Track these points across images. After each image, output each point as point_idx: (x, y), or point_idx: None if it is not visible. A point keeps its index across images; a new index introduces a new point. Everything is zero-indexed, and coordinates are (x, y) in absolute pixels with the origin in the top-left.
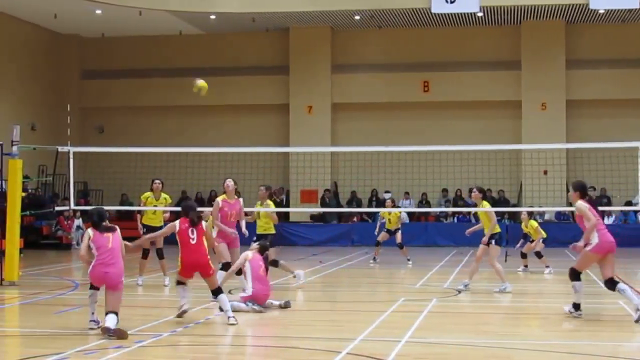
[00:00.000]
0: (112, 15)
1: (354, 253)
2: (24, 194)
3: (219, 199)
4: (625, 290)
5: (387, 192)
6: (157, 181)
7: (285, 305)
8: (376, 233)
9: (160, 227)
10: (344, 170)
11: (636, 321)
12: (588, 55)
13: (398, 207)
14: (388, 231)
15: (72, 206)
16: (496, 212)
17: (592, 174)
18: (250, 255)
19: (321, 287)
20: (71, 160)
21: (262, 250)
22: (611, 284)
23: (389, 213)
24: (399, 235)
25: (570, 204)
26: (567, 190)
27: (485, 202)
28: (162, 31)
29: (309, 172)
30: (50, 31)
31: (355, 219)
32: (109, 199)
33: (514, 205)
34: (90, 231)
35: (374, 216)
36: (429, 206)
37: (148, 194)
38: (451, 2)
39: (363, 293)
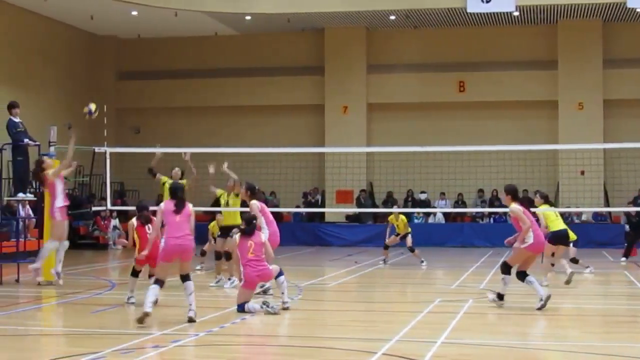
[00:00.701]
0: (148, 17)
1: (389, 254)
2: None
3: None
4: (533, 282)
5: (422, 192)
6: (177, 169)
7: (265, 291)
8: (387, 236)
9: None
10: (380, 171)
11: (538, 309)
12: (625, 55)
13: (434, 207)
14: (398, 235)
15: (109, 206)
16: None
17: (629, 174)
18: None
19: (356, 287)
20: (108, 161)
21: (245, 232)
22: (523, 275)
23: (396, 219)
24: (409, 239)
25: (608, 204)
26: (605, 192)
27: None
28: (198, 32)
29: (344, 172)
30: (87, 32)
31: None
32: (145, 199)
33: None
34: (162, 205)
35: (410, 216)
36: (465, 206)
37: (166, 177)
38: (487, 2)
39: (398, 293)
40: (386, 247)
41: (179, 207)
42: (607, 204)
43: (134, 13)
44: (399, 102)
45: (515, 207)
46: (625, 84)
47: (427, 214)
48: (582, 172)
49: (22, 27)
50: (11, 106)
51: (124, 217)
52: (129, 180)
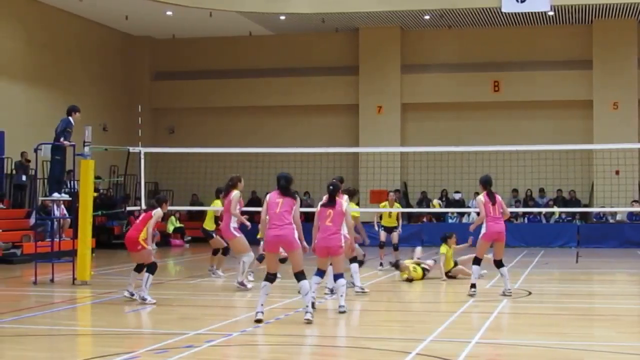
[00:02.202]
0: (183, 17)
1: (424, 254)
2: (95, 194)
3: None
4: (504, 275)
5: (457, 192)
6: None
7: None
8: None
9: None
10: (414, 171)
11: (503, 294)
12: None
13: (468, 207)
14: (385, 229)
15: (143, 206)
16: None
17: None
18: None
19: (392, 287)
20: (142, 161)
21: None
22: (499, 263)
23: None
24: (395, 235)
25: None
26: None
27: None
28: (232, 32)
29: (378, 172)
30: (122, 33)
31: (425, 219)
32: (180, 199)
33: (585, 206)
34: (267, 196)
35: (444, 216)
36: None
37: (219, 201)
38: (522, 2)
39: (432, 294)
40: (381, 246)
41: (284, 194)
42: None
43: (169, 13)
44: (433, 102)
45: (479, 197)
46: None
47: (461, 214)
48: (617, 172)
49: (57, 27)
50: (73, 110)
51: None
52: (164, 180)
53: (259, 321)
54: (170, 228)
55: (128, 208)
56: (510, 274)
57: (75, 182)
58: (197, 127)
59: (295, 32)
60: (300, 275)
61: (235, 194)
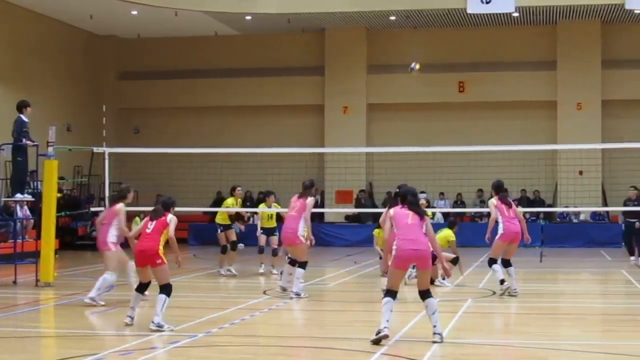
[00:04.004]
0: (148, 16)
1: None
2: (59, 195)
3: None
4: (512, 275)
5: (422, 192)
6: (239, 189)
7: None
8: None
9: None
10: (379, 171)
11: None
12: (624, 55)
13: (433, 207)
14: (265, 231)
15: (108, 207)
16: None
17: (627, 173)
18: None
19: (356, 287)
20: (106, 161)
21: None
22: (507, 263)
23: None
24: (275, 239)
25: (606, 204)
26: (603, 192)
27: None
28: (198, 32)
29: (344, 172)
30: (86, 32)
31: None
32: (145, 199)
33: (549, 206)
34: (391, 210)
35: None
36: (464, 206)
37: (232, 199)
38: (487, 3)
39: (398, 293)
40: (261, 251)
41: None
42: (605, 204)
43: (134, 12)
44: (398, 102)
45: (491, 200)
46: (623, 84)
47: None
48: (581, 172)
49: (21, 26)
50: (24, 105)
51: None
52: (128, 180)
53: (386, 336)
54: (135, 228)
55: (92, 209)
56: (475, 274)
57: (39, 182)
58: (163, 127)
59: (261, 32)
60: (426, 294)
61: (120, 206)
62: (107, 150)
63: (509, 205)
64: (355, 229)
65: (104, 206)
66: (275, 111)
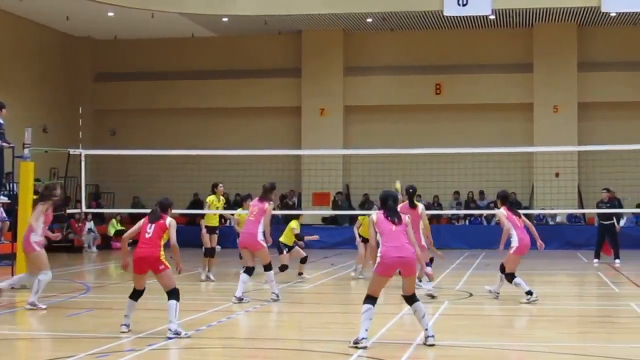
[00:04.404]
0: (124, 18)
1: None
2: (35, 197)
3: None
4: (520, 284)
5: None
6: (221, 185)
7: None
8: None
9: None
10: (356, 173)
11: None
12: (600, 58)
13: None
14: (208, 229)
15: (84, 209)
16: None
17: (603, 176)
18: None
19: (333, 289)
20: (82, 163)
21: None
22: (503, 269)
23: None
24: (215, 238)
25: (582, 206)
26: (579, 194)
27: None
28: (175, 33)
29: (321, 174)
30: (62, 33)
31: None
32: (121, 201)
33: (526, 208)
34: (374, 216)
35: None
36: (441, 208)
37: (212, 197)
38: (463, 5)
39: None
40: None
41: (394, 218)
42: (582, 206)
43: (110, 14)
44: (375, 104)
45: (500, 211)
46: (599, 86)
47: None
48: (557, 174)
49: None
50: None
51: (100, 219)
52: (105, 182)
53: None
54: (112, 231)
55: (68, 211)
56: (452, 276)
57: (15, 184)
58: (140, 129)
59: (238, 34)
60: (412, 298)
61: (41, 206)
62: (84, 152)
63: (519, 215)
64: (332, 230)
65: (80, 208)
66: (252, 113)
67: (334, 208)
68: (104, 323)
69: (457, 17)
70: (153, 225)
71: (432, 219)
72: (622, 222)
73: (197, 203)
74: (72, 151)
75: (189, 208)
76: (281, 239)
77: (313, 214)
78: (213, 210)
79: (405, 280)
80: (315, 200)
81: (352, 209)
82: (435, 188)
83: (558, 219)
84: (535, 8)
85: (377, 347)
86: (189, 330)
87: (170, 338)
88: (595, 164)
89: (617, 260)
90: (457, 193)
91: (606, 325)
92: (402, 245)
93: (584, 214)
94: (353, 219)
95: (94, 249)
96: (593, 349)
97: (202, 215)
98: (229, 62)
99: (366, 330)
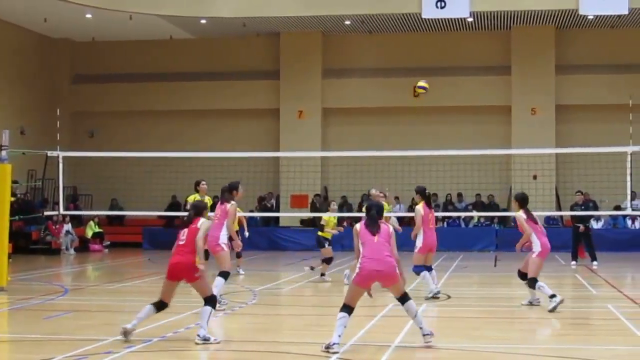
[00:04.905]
0: (103, 20)
1: (344, 258)
2: (12, 199)
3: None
4: (543, 287)
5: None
6: (204, 182)
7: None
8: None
9: None
10: (334, 175)
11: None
12: (578, 61)
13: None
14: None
15: (62, 211)
16: (485, 217)
17: (581, 178)
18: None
19: (311, 292)
20: (60, 165)
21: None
22: (529, 280)
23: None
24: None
25: (560, 208)
26: (557, 196)
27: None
28: (153, 35)
29: (299, 176)
30: (40, 35)
31: (345, 223)
32: (99, 203)
33: (504, 210)
34: (357, 226)
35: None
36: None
37: (194, 195)
38: (441, 8)
39: None
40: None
41: (374, 228)
42: (559, 208)
43: (88, 16)
44: (354, 106)
45: (520, 214)
46: (577, 89)
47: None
48: (535, 177)
49: None
50: None
51: (77, 221)
52: (83, 184)
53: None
54: (89, 233)
55: (46, 213)
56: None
57: None
58: (118, 131)
59: (216, 36)
60: (404, 297)
61: None
62: (61, 154)
63: (535, 220)
64: (310, 233)
65: (58, 210)
66: (231, 115)
67: (312, 210)
68: (82, 325)
69: (435, 19)
70: (186, 231)
71: (410, 220)
72: (600, 225)
73: (176, 205)
74: (49, 153)
75: (167, 210)
76: (320, 234)
77: (291, 216)
78: None
79: (390, 288)
80: (294, 203)
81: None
82: (413, 190)
83: None
84: (513, 10)
85: (355, 349)
86: (151, 337)
87: (198, 344)
88: (572, 167)
89: (595, 263)
90: (435, 195)
91: (583, 327)
92: (382, 258)
93: (561, 216)
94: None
95: (72, 251)
96: (570, 351)
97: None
98: (207, 64)
99: (339, 336)
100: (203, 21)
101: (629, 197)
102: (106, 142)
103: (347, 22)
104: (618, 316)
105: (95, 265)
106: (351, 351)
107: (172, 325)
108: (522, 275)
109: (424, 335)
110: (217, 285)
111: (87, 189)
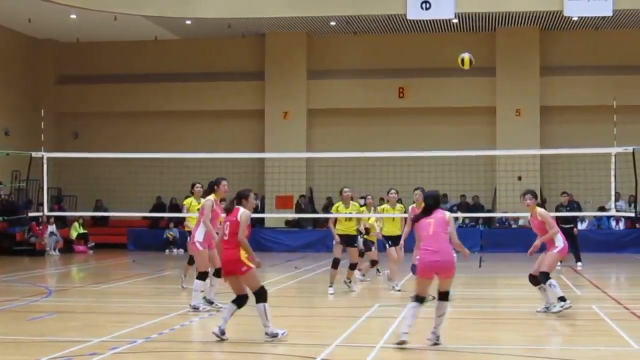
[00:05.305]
0: (87, 20)
1: (329, 259)
2: None
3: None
4: (554, 286)
5: (362, 197)
6: (198, 185)
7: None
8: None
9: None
10: (320, 176)
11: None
12: (562, 62)
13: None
14: None
15: (46, 212)
16: (470, 218)
17: (565, 179)
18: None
19: (296, 293)
20: (45, 166)
21: None
22: (542, 278)
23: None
24: None
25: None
26: (542, 197)
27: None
28: (138, 36)
29: (284, 177)
30: (25, 36)
31: (330, 224)
32: (84, 204)
33: (489, 211)
34: (412, 215)
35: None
36: (404, 212)
37: (190, 199)
38: (426, 9)
39: (338, 299)
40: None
41: (429, 218)
42: (544, 209)
43: (73, 16)
44: (339, 107)
45: (544, 211)
46: (561, 90)
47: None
48: (520, 178)
49: None
50: None
51: (62, 222)
52: (67, 185)
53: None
54: (74, 234)
55: (30, 214)
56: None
57: None
58: (102, 132)
59: (201, 37)
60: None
61: None
62: (46, 155)
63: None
64: (295, 234)
65: (42, 211)
66: (216, 116)
67: (297, 211)
68: (67, 327)
69: (420, 20)
70: (228, 224)
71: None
72: (584, 226)
73: (160, 206)
74: (34, 154)
75: (152, 211)
76: (366, 237)
77: (276, 217)
78: (193, 213)
79: (441, 281)
80: (279, 203)
81: (315, 212)
82: (400, 191)
83: (520, 222)
84: (498, 12)
85: (339, 350)
86: (136, 339)
87: (267, 341)
88: (557, 167)
89: (579, 263)
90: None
91: (569, 328)
92: (440, 249)
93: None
94: (316, 223)
95: (56, 252)
96: (555, 352)
97: (183, 219)
98: (192, 65)
99: (409, 326)
100: (188, 22)
101: (613, 198)
102: (91, 143)
103: (332, 23)
104: (602, 317)
105: (79, 266)
106: (335, 352)
107: (157, 327)
108: (535, 279)
109: (431, 334)
110: (196, 288)
111: (72, 190)
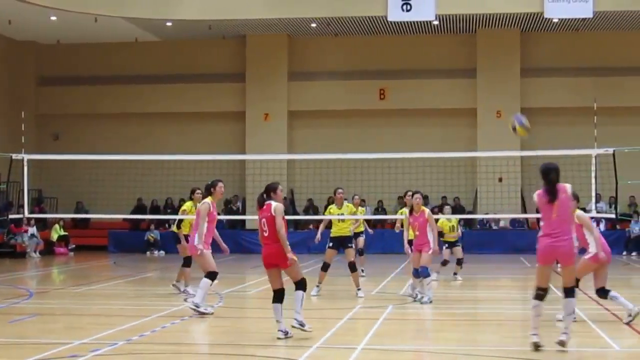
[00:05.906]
0: (68, 22)
1: (310, 261)
2: None
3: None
4: (617, 297)
5: (345, 199)
6: (199, 191)
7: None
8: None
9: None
10: (301, 178)
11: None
12: (542, 64)
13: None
14: None
15: (27, 214)
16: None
17: None
18: None
19: None
20: (25, 168)
21: None
22: (603, 292)
23: None
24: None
25: (525, 211)
26: (522, 199)
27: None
28: (118, 38)
29: (265, 179)
30: (5, 37)
31: (311, 226)
32: (64, 206)
33: (469, 213)
34: (535, 196)
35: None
36: (385, 213)
37: (190, 203)
38: (407, 11)
39: (319, 300)
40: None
41: (553, 198)
42: (525, 211)
43: (53, 18)
44: (319, 109)
45: (583, 214)
46: (542, 92)
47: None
48: (500, 179)
49: None
50: None
51: (42, 225)
52: (48, 187)
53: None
54: (55, 236)
55: (11, 216)
56: (396, 281)
57: None
58: (83, 134)
59: (182, 38)
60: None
61: None
62: (26, 156)
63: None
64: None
65: (23, 213)
66: (196, 118)
67: None
68: (47, 329)
69: (401, 22)
70: (265, 221)
71: (376, 223)
72: None
73: (141, 208)
74: (14, 156)
75: (133, 213)
76: (442, 238)
77: (257, 218)
78: (192, 216)
79: (563, 270)
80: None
81: (297, 214)
82: (380, 193)
83: (501, 224)
84: (478, 14)
85: (321, 352)
86: (117, 341)
87: (295, 327)
88: (538, 169)
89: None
90: (401, 198)
91: (550, 330)
92: (558, 234)
93: (527, 219)
94: (298, 224)
95: (37, 254)
96: (535, 353)
97: (180, 222)
98: (173, 67)
99: (536, 327)
100: (169, 24)
101: (593, 200)
102: (71, 145)
103: (313, 25)
104: (583, 318)
105: (60, 268)
106: (316, 353)
107: (138, 329)
108: (602, 291)
109: (560, 334)
110: (202, 286)
111: (53, 192)
